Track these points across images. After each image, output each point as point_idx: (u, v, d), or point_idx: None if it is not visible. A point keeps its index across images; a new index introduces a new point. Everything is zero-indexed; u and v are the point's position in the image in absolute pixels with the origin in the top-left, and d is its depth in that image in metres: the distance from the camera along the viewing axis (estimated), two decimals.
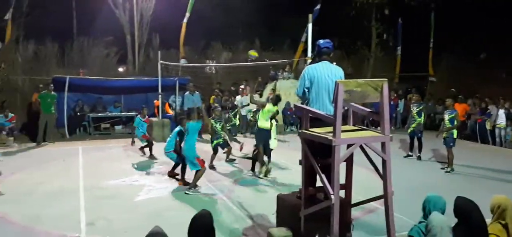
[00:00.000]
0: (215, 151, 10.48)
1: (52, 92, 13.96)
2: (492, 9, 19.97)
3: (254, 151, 9.70)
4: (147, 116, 12.39)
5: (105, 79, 16.79)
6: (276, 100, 9.80)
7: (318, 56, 5.30)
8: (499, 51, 19.19)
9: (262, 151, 9.33)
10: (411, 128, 11.48)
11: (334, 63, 5.44)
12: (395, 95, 18.08)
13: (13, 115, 13.87)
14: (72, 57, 18.93)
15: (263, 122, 9.33)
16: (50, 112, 13.78)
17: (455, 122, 9.93)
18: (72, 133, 15.17)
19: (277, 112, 10.00)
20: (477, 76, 19.80)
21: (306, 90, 5.23)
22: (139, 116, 12.22)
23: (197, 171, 8.19)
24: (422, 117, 11.45)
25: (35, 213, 6.90)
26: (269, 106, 9.44)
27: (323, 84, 5.11)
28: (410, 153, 11.81)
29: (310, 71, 5.20)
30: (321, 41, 5.36)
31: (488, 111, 14.80)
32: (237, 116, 12.98)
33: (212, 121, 10.32)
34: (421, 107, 11.44)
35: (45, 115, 13.69)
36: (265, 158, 9.50)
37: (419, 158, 11.50)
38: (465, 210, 3.67)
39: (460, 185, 8.99)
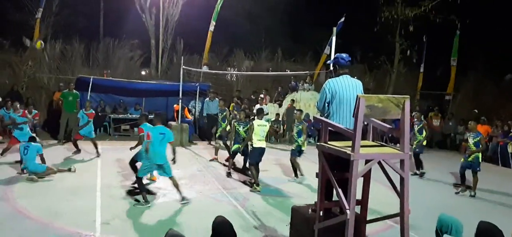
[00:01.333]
0: (233, 155, 10.42)
1: (74, 91, 14.21)
2: None
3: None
4: (91, 110, 12.12)
5: (128, 81, 17.04)
6: (258, 113, 9.59)
7: (340, 69, 5.27)
8: None
9: (256, 170, 9.15)
10: (413, 145, 11.44)
11: (355, 77, 5.41)
12: (412, 115, 17.70)
13: (36, 111, 14.15)
14: (97, 57, 19.30)
15: (257, 141, 9.12)
16: (72, 111, 14.03)
17: (481, 146, 9.66)
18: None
19: (270, 123, 9.73)
20: (501, 97, 19.41)
21: (327, 104, 5.19)
22: (82, 109, 12.10)
23: (172, 178, 7.86)
24: (423, 135, 11.55)
25: (53, 209, 7.02)
26: (256, 122, 9.19)
27: (344, 98, 5.09)
28: (416, 171, 11.64)
29: (331, 85, 5.17)
30: (343, 55, 5.35)
31: (511, 134, 14.44)
32: (227, 121, 12.63)
33: (236, 124, 10.31)
34: (421, 125, 11.61)
35: (66, 113, 13.94)
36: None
37: (421, 175, 11.45)
38: (488, 235, 3.58)
39: (479, 208, 8.80)
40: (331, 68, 5.50)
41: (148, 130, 7.89)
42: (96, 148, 11.80)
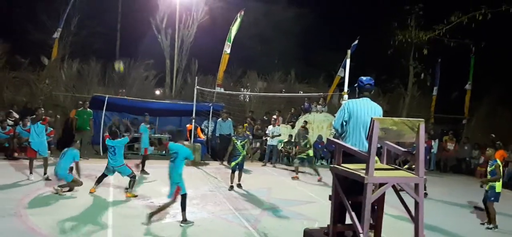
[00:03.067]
0: (232, 171, 10.70)
1: (88, 109, 14.41)
2: None
3: None
4: (148, 125, 12.61)
5: (142, 100, 17.21)
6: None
7: (360, 92, 5.30)
8: None
9: None
10: (486, 188, 10.64)
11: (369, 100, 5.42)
12: (429, 137, 17.54)
13: (52, 129, 14.34)
14: (113, 77, 19.57)
15: None
16: (85, 129, 14.20)
17: (496, 174, 8.98)
18: (106, 151, 15.47)
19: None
20: None
21: (344, 123, 5.20)
22: (143, 123, 12.39)
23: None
24: (496, 177, 9.47)
25: (65, 227, 7.04)
26: None
27: (361, 119, 5.09)
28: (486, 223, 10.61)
29: (350, 105, 5.20)
30: (363, 78, 5.38)
31: None
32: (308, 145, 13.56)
33: (234, 138, 10.45)
34: (493, 166, 9.72)
35: (80, 131, 14.12)
36: None
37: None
38: None
39: (493, 236, 8.59)
40: (346, 89, 5.53)
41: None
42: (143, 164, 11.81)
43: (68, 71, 18.29)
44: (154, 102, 17.78)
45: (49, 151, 13.74)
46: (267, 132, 16.29)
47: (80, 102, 15.54)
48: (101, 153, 15.11)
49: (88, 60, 18.88)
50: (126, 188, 9.57)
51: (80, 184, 9.46)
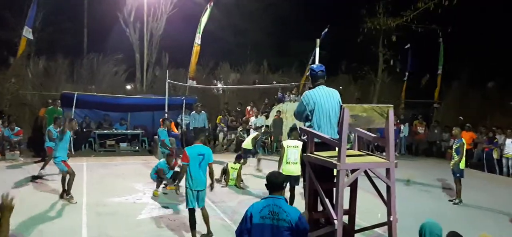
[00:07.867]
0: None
1: (59, 108, 14.06)
2: (501, 39, 20.02)
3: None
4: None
5: (113, 96, 16.86)
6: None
7: (315, 81, 5.25)
8: (507, 80, 19.19)
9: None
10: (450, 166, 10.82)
11: (341, 87, 5.45)
12: (398, 120, 17.90)
13: (19, 129, 13.95)
14: (82, 73, 19.11)
15: None
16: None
17: (460, 153, 9.59)
18: (78, 149, 15.18)
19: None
20: (485, 105, 19.73)
21: (309, 114, 5.16)
22: None
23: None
24: (461, 155, 9.82)
25: (38, 228, 6.89)
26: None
27: (324, 108, 5.05)
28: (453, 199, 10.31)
29: (310, 96, 5.16)
30: (314, 66, 5.37)
31: (496, 140, 14.64)
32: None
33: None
34: (458, 144, 9.88)
35: None
36: None
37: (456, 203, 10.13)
38: None
39: (466, 214, 8.88)
40: (309, 77, 5.49)
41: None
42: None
43: (35, 69, 17.73)
44: (125, 98, 17.45)
45: (19, 151, 13.42)
46: (250, 123, 16.28)
47: (50, 101, 15.12)
48: (73, 152, 14.76)
49: (55, 57, 18.33)
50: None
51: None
